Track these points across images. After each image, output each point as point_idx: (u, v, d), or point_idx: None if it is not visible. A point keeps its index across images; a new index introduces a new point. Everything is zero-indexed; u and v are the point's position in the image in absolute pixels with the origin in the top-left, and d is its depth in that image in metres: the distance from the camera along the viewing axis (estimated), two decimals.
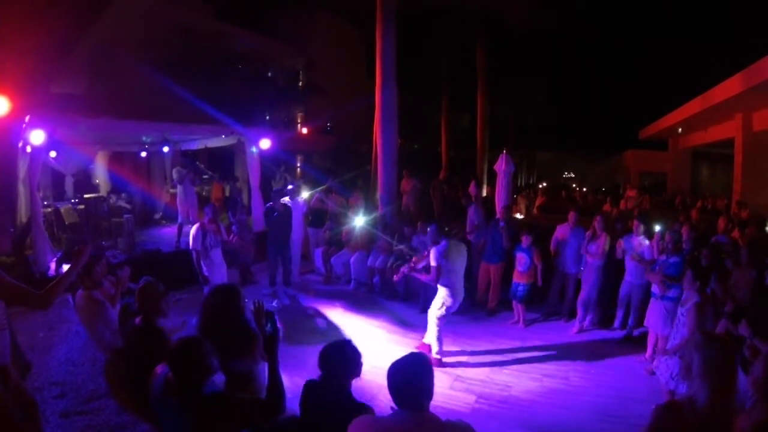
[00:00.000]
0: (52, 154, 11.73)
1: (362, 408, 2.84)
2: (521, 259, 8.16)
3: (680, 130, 23.89)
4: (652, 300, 6.90)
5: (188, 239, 7.81)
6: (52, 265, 8.61)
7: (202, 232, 7.62)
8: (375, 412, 2.85)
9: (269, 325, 3.29)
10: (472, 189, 14.64)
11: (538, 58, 23.91)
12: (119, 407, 4.16)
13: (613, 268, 7.98)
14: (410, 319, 8.50)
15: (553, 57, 24.98)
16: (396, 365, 2.54)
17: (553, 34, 21.21)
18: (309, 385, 3.12)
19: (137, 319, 4.13)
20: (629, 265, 7.56)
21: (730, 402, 2.40)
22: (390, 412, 2.52)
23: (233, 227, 10.03)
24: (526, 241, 8.18)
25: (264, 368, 3.42)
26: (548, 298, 8.76)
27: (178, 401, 2.84)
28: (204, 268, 7.61)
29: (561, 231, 8.62)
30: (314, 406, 3.07)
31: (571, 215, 8.64)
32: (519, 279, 8.17)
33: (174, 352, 2.91)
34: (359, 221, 10.43)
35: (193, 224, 9.45)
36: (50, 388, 4.75)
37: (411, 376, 2.47)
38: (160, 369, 3.03)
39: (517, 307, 8.30)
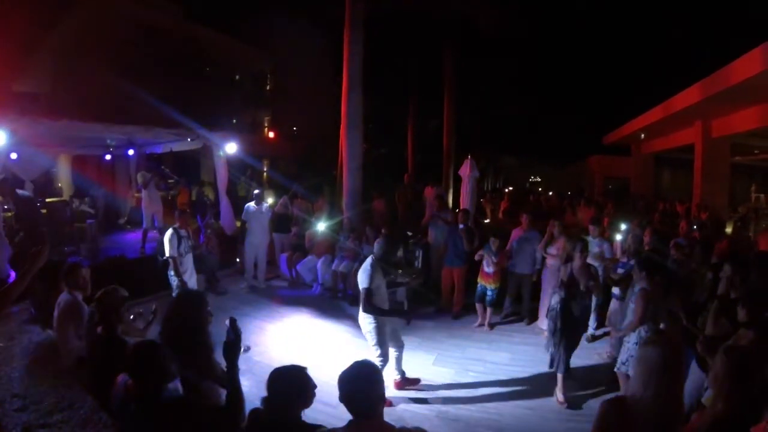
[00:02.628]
0: (13, 156, 11.44)
1: (314, 429, 2.74)
2: (489, 261, 8.25)
3: (643, 136, 24.35)
4: (612, 300, 7.08)
5: (153, 245, 7.69)
6: (13, 273, 8.41)
7: (177, 238, 7.51)
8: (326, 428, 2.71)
9: (230, 332, 3.24)
10: (427, 192, 14.77)
11: (504, 64, 24.13)
12: (84, 419, 4.10)
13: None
14: None
15: (520, 64, 25.23)
16: (346, 375, 2.53)
17: (519, 41, 21.44)
18: (253, 414, 2.93)
19: (99, 329, 4.09)
20: None
21: (675, 400, 2.48)
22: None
23: (201, 232, 9.97)
24: (493, 244, 8.29)
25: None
26: (504, 300, 8.84)
27: (137, 406, 2.82)
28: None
29: (515, 233, 8.82)
30: None
31: (524, 218, 8.83)
32: (486, 281, 8.27)
33: (132, 357, 2.89)
34: (321, 226, 10.45)
35: (158, 229, 9.32)
36: (11, 401, 4.63)
37: (362, 384, 2.47)
38: (121, 377, 3.00)
39: (482, 310, 8.39)
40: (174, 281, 7.51)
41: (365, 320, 5.77)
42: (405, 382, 6.23)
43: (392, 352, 6.00)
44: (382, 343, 5.72)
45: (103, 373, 3.60)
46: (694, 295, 5.87)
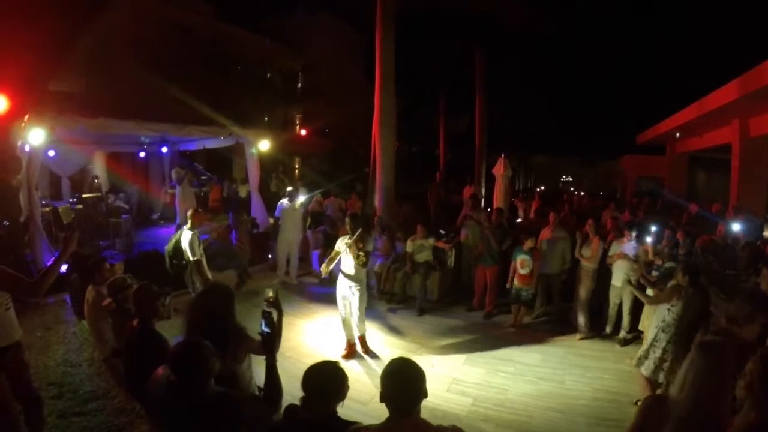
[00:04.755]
0: (50, 153, 11.73)
1: (349, 426, 2.64)
2: (523, 263, 8.18)
3: (678, 135, 23.88)
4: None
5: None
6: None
7: (198, 241, 7.49)
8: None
9: (266, 325, 3.25)
10: (466, 192, 14.67)
11: (535, 62, 23.93)
12: (118, 408, 4.17)
13: (603, 272, 8.00)
14: (406, 323, 8.52)
15: (551, 61, 24.99)
16: (389, 372, 2.46)
17: (550, 38, 21.19)
18: (290, 411, 2.90)
19: (134, 322, 4.14)
20: (615, 269, 7.60)
21: (722, 404, 2.41)
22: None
23: (232, 229, 10.05)
24: (528, 244, 8.21)
25: (248, 369, 3.51)
26: (534, 301, 8.75)
27: (181, 403, 2.83)
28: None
29: (544, 233, 8.68)
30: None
31: (552, 218, 8.71)
32: (522, 283, 8.21)
33: (177, 355, 2.89)
34: None
35: None
36: (47, 389, 4.74)
37: (406, 383, 2.40)
38: (161, 370, 3.01)
39: (515, 311, 8.33)
40: (197, 283, 7.42)
41: (355, 286, 7.01)
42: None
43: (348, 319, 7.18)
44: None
45: (138, 365, 3.65)
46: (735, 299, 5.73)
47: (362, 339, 7.24)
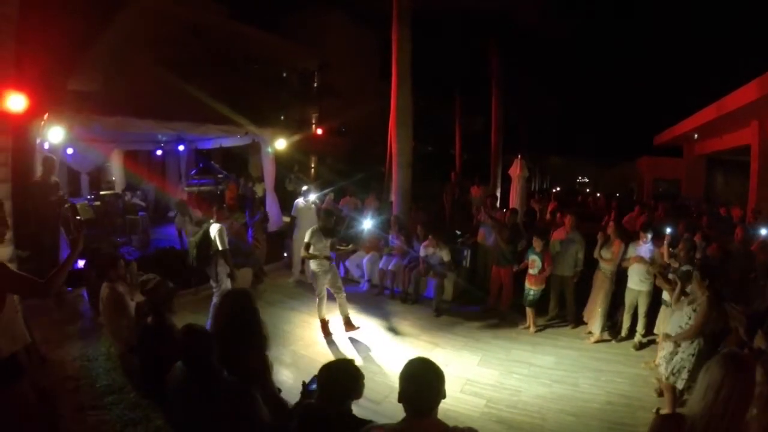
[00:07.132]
0: (69, 151, 11.87)
1: (365, 424, 2.64)
2: (533, 263, 8.15)
3: (696, 136, 23.64)
4: (662, 308, 6.88)
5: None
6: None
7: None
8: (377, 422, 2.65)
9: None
10: (473, 192, 14.62)
11: (551, 62, 23.80)
12: (134, 402, 4.21)
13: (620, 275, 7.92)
14: (421, 323, 8.51)
15: (567, 62, 24.83)
16: (408, 373, 2.41)
17: (566, 38, 21.06)
18: (306, 408, 2.93)
19: (149, 318, 4.18)
20: (631, 272, 7.54)
21: (734, 421, 2.35)
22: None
23: (249, 227, 10.10)
24: (538, 245, 8.18)
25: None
26: (548, 303, 8.68)
27: (196, 391, 2.85)
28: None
29: (557, 234, 8.62)
30: (312, 429, 2.85)
31: (568, 219, 8.63)
32: (531, 283, 8.16)
33: (180, 342, 2.94)
34: (367, 223, 10.43)
35: (195, 223, 9.53)
36: (65, 382, 4.81)
37: (426, 383, 2.37)
38: (179, 364, 3.06)
39: (530, 312, 8.29)
40: (222, 274, 7.47)
41: (312, 265, 7.87)
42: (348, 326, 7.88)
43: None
44: (318, 284, 7.80)
45: (154, 361, 3.68)
46: (753, 306, 5.65)
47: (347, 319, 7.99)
